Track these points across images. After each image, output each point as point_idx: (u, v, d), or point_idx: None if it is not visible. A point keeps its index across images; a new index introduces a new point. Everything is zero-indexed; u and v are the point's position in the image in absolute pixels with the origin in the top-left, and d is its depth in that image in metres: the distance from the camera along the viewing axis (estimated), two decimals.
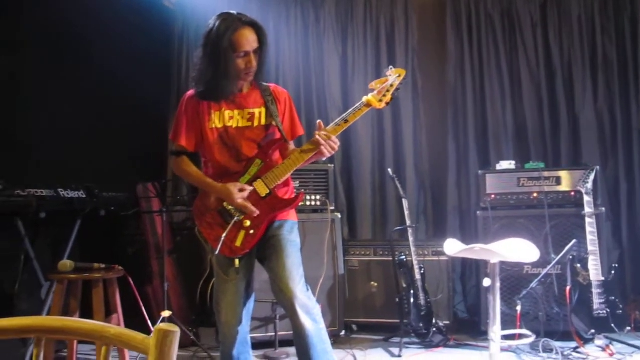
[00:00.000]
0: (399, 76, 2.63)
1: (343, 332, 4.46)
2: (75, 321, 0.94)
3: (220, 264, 2.64)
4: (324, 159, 2.66)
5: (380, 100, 2.60)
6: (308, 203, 4.47)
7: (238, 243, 2.56)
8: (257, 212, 2.54)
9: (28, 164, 3.84)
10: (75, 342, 3.01)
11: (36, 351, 0.98)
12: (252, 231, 2.56)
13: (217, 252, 2.55)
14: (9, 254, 3.59)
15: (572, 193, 4.24)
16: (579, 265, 3.82)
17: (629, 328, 3.85)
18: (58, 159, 4.07)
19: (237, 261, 2.58)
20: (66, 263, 3.09)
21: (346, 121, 2.58)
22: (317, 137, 2.52)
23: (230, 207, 2.58)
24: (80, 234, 4.01)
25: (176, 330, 0.89)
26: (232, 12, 2.57)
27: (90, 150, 4.39)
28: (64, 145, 4.14)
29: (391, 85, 2.61)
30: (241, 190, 2.54)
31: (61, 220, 3.85)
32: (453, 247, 3.44)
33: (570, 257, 3.86)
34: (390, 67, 2.67)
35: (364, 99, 2.60)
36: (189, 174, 2.72)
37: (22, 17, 3.90)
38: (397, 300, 4.21)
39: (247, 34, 2.53)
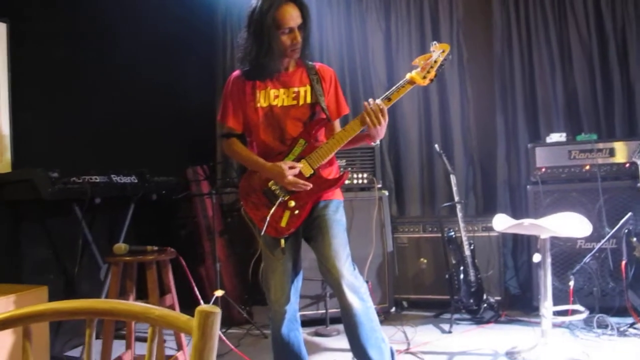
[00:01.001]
0: (443, 52, 2.54)
1: (393, 309, 4.49)
2: (122, 303, 0.99)
3: (267, 243, 2.68)
4: (373, 143, 2.64)
5: (424, 77, 2.52)
6: (355, 181, 4.48)
7: (283, 223, 2.59)
8: (310, 186, 2.56)
9: (82, 152, 3.98)
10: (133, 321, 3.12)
11: (88, 331, 1.04)
12: (296, 211, 2.59)
13: (262, 233, 2.60)
14: (68, 238, 3.75)
15: (627, 165, 4.12)
16: (634, 239, 3.72)
17: None
18: (110, 145, 4.20)
19: (282, 241, 2.60)
20: (121, 246, 3.19)
21: (389, 99, 2.53)
22: (365, 108, 2.50)
23: (274, 187, 2.61)
24: (135, 218, 4.14)
25: (217, 311, 0.92)
26: None
27: (140, 135, 4.51)
28: (115, 132, 4.27)
29: (435, 62, 2.53)
30: (291, 167, 2.56)
31: (116, 205, 3.98)
32: (502, 222, 3.39)
33: (626, 230, 3.76)
34: (434, 42, 2.60)
35: (407, 76, 2.54)
36: (239, 154, 2.76)
37: (71, 10, 4.02)
38: (447, 276, 4.20)
39: (290, 10, 2.53)
